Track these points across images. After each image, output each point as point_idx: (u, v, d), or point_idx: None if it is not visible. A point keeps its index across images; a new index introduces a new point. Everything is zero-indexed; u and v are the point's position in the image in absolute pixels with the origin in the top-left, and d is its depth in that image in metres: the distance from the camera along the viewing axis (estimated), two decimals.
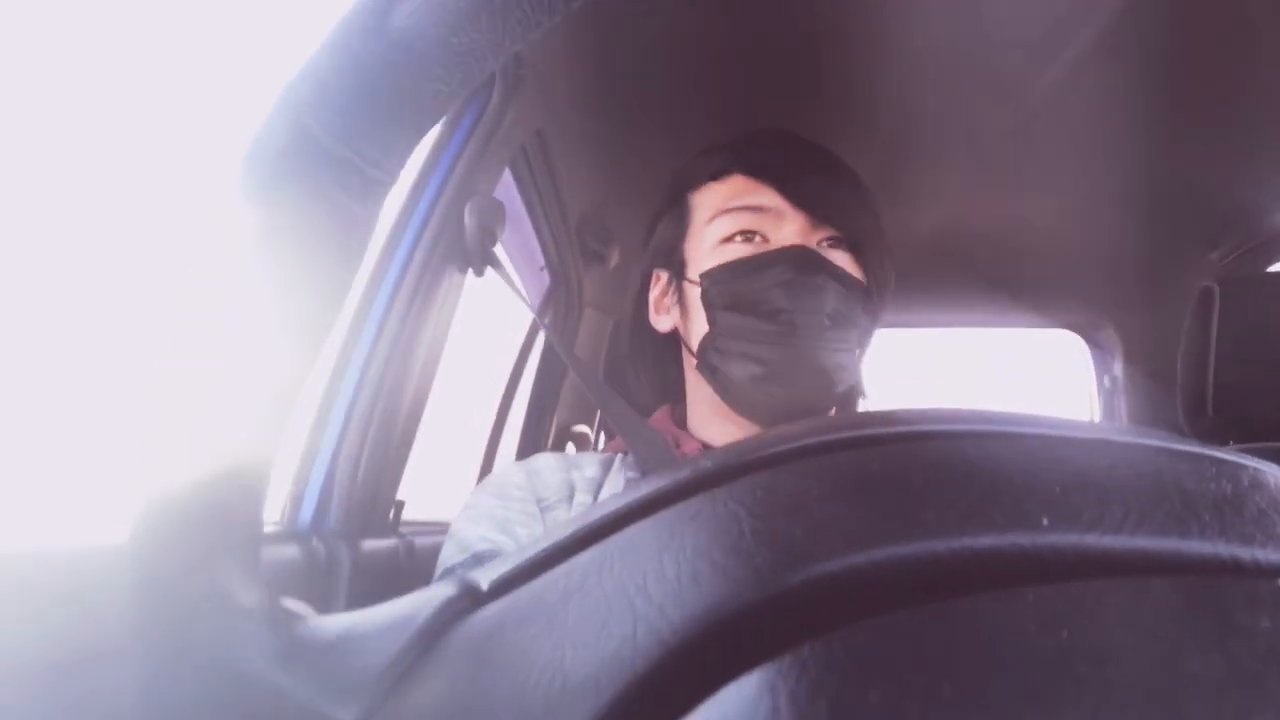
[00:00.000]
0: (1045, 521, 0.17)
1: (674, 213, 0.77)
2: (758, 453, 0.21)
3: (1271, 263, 1.46)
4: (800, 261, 0.68)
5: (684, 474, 0.21)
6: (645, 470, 0.69)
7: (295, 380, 0.21)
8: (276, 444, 0.22)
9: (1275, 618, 0.15)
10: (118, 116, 0.74)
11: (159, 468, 0.20)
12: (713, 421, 0.75)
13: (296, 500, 0.86)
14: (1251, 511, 0.18)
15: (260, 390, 0.20)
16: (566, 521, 0.21)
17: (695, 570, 0.17)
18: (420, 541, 1.01)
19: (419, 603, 0.21)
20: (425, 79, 0.20)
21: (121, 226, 0.72)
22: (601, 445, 1.77)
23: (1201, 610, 0.15)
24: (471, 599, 0.21)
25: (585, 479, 0.70)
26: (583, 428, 1.73)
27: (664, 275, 0.78)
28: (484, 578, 0.21)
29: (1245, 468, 0.20)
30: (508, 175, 1.12)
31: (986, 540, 0.17)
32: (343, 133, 0.20)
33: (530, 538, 0.64)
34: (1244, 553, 0.17)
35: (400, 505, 1.00)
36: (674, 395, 0.81)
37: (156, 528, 0.20)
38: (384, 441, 0.91)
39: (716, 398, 0.72)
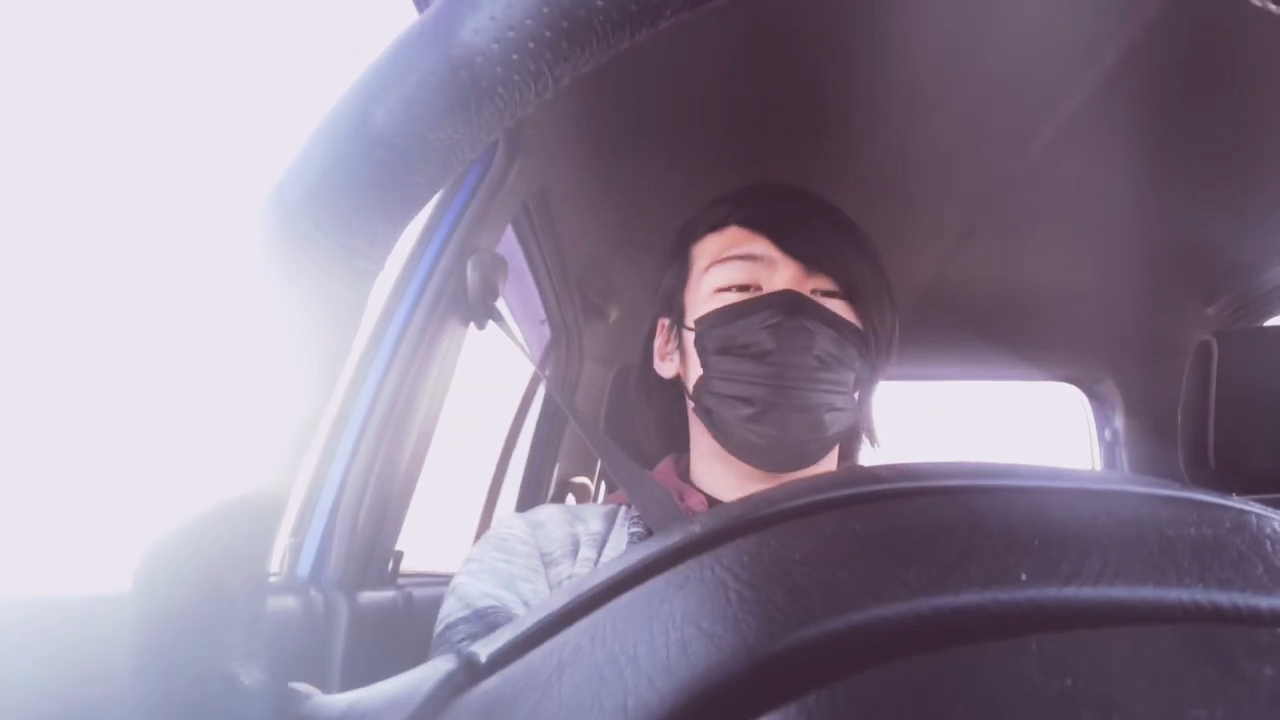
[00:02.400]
0: (1023, 576, 0.18)
1: (677, 264, 0.79)
2: (744, 516, 0.21)
3: (1268, 316, 1.47)
4: (787, 305, 0.69)
5: (672, 540, 0.21)
6: (649, 525, 0.69)
7: (295, 450, 0.22)
8: (279, 515, 0.22)
9: (1277, 666, 0.15)
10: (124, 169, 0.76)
11: (162, 540, 0.21)
12: (714, 468, 0.75)
13: (295, 550, 0.85)
14: (1231, 555, 0.18)
15: (259, 462, 0.21)
16: (561, 590, 0.22)
17: (684, 639, 0.18)
18: (419, 594, 1.00)
19: (419, 679, 0.21)
20: (406, 173, 0.21)
21: (116, 295, 0.73)
22: (601, 497, 1.77)
23: (1204, 658, 0.15)
24: (470, 673, 0.21)
25: (589, 533, 0.70)
26: (583, 479, 1.73)
27: (667, 323, 0.80)
28: (483, 650, 0.21)
29: (1227, 510, 0.20)
30: (510, 229, 1.14)
31: (966, 598, 0.17)
32: (329, 227, 0.21)
33: (534, 594, 0.64)
34: (1223, 598, 0.17)
35: (399, 556, 1.00)
36: (679, 443, 0.81)
37: (160, 600, 0.21)
38: (384, 492, 0.91)
39: (715, 442, 0.72)
